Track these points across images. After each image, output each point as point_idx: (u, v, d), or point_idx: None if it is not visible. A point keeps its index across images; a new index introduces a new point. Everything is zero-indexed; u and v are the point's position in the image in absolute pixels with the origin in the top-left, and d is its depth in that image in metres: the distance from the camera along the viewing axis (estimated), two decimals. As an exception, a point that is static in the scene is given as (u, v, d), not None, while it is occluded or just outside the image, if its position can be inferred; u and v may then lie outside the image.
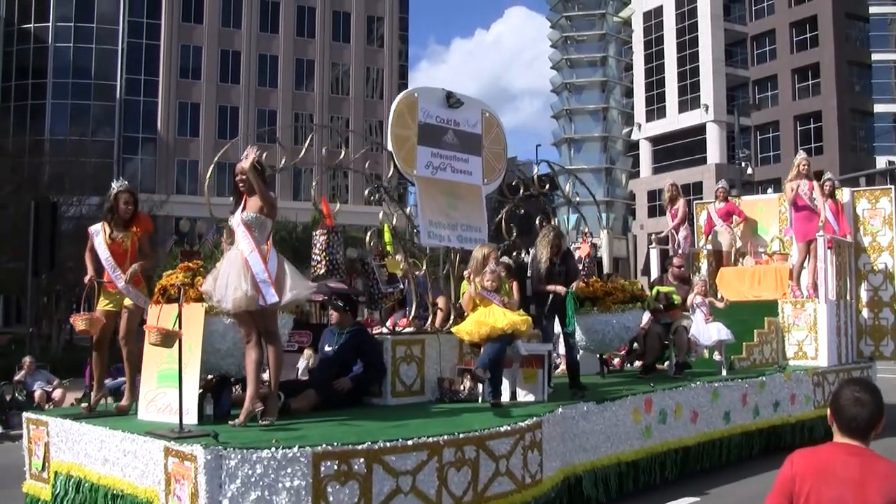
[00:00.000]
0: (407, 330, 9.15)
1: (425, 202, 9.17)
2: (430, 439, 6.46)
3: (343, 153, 9.19)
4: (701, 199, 36.01)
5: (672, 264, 12.59)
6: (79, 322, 7.59)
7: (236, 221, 7.12)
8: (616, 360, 13.18)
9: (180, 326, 6.60)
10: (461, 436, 6.69)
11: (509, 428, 7.10)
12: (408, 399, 8.67)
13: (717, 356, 11.68)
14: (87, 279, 7.83)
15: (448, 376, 8.91)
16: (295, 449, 5.87)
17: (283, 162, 8.64)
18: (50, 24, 56.15)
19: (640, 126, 73.37)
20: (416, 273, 9.40)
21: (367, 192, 9.18)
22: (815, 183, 13.80)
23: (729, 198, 15.92)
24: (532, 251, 10.20)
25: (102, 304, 7.95)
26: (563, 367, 11.52)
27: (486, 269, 8.57)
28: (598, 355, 11.65)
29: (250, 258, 6.95)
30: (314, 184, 10.33)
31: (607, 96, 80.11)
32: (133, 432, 6.53)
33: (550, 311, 9.83)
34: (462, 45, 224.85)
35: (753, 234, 15.70)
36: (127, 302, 7.80)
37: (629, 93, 77.99)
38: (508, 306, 8.52)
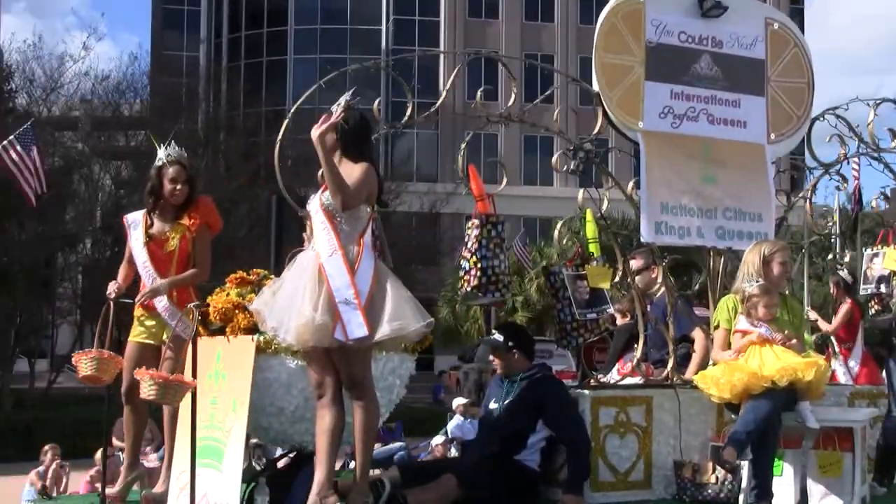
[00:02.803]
0: (629, 381, 6.89)
1: (657, 174, 6.94)
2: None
3: (513, 98, 6.77)
4: None
5: None
6: (82, 363, 5.65)
7: (314, 207, 5.17)
8: None
9: (194, 373, 4.88)
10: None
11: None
12: (619, 495, 6.43)
13: None
14: (110, 292, 5.92)
15: (693, 459, 6.59)
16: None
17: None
18: (290, -47, 49.34)
19: None
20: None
21: (554, 159, 6.83)
22: None
23: None
24: None
25: (135, 335, 6.10)
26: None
27: (750, 288, 6.15)
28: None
29: (329, 265, 4.96)
30: (462, 146, 7.59)
31: None
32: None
33: None
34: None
35: None
36: (168, 334, 5.87)
37: None
38: (791, 347, 6.10)
